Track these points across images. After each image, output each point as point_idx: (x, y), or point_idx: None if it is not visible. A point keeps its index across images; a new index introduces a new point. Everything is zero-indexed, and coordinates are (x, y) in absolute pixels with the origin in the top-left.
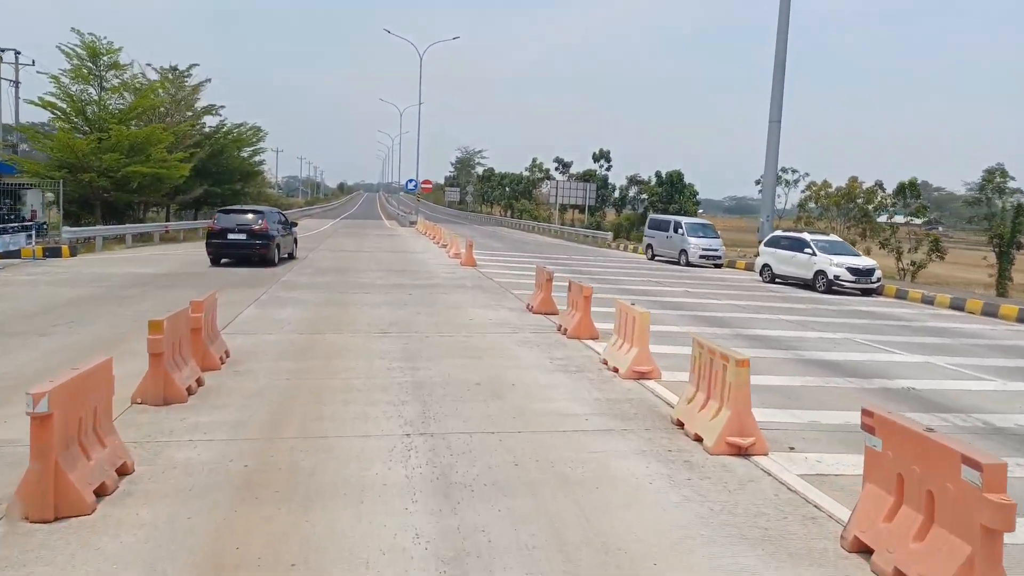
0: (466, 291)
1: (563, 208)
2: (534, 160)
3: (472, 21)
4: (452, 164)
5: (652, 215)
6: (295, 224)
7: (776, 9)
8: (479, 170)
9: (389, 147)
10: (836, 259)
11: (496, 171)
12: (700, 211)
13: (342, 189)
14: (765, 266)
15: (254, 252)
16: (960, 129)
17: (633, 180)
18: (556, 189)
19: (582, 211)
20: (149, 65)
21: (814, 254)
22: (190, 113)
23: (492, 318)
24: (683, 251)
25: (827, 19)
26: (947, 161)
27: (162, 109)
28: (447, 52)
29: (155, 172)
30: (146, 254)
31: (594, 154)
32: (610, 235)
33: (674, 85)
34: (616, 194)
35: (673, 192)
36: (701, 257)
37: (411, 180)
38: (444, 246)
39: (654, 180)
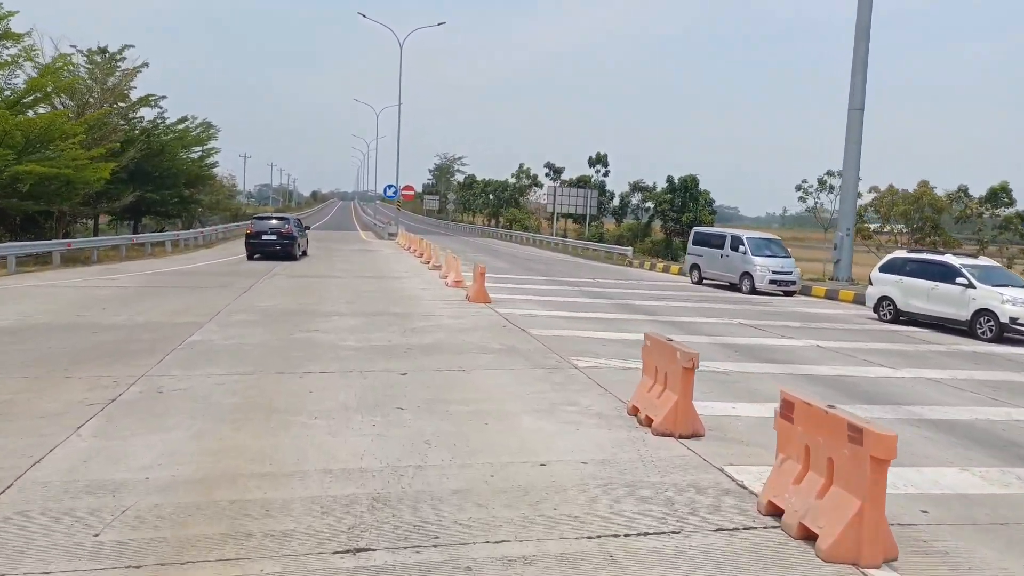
0: (498, 363)
1: (554, 216)
2: (521, 166)
3: (449, 24)
4: (430, 171)
5: (698, 228)
6: (308, 228)
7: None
8: (459, 177)
9: (365, 152)
10: (1007, 292)
11: (478, 178)
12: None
13: (315, 197)
14: (885, 300)
15: (281, 249)
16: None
17: (636, 186)
18: (554, 196)
19: (577, 220)
20: (75, 48)
21: (970, 285)
22: (123, 104)
23: (582, 454)
24: (746, 274)
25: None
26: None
27: (89, 99)
28: (425, 55)
29: (58, 173)
30: (44, 285)
31: (590, 158)
32: (630, 250)
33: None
34: (615, 202)
35: (687, 199)
36: (772, 283)
37: (390, 186)
38: (435, 268)
39: (662, 186)
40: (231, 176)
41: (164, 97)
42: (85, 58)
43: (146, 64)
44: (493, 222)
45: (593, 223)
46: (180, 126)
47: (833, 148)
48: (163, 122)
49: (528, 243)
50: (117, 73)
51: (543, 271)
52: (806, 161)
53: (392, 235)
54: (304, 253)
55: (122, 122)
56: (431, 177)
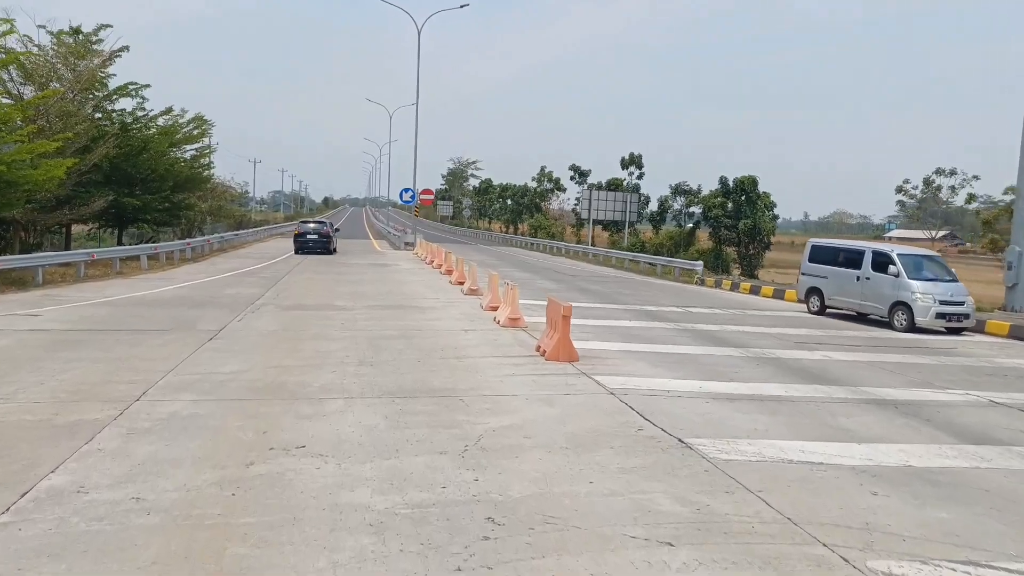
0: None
1: (581, 223)
2: (542, 169)
3: (467, 20)
4: (443, 176)
5: (816, 242)
6: (338, 229)
7: None
8: (473, 182)
9: (377, 157)
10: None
11: (494, 183)
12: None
13: (327, 203)
14: None
15: (321, 246)
16: None
17: (679, 189)
18: (588, 201)
19: (607, 227)
20: (43, 28)
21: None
22: (98, 94)
23: None
24: (900, 305)
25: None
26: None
27: (55, 85)
28: (439, 58)
29: None
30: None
31: (623, 159)
32: (700, 265)
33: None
34: (653, 206)
35: (742, 204)
36: (940, 316)
37: (407, 190)
38: (471, 292)
39: (709, 188)
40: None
41: (147, 86)
42: (52, 38)
43: (126, 48)
44: (511, 229)
45: (620, 231)
46: (163, 118)
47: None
48: (145, 114)
49: (558, 253)
50: (94, 61)
51: (605, 294)
52: (830, 162)
53: (409, 245)
54: (334, 250)
55: (97, 115)
56: (444, 182)
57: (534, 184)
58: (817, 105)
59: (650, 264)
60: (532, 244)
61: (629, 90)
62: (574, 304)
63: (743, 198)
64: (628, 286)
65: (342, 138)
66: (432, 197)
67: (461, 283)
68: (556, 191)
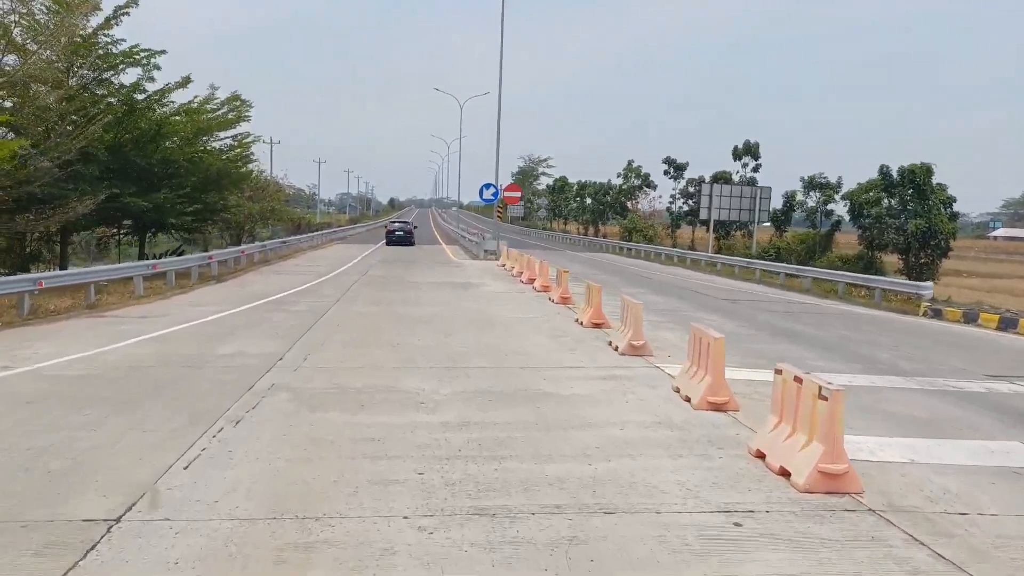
0: None
1: (678, 224)
2: (629, 163)
3: (535, 16)
4: (512, 175)
5: None
6: (416, 227)
7: None
8: (546, 181)
9: (444, 156)
10: None
11: (569, 180)
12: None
13: (393, 205)
14: None
15: (407, 240)
16: None
17: (813, 183)
18: (709, 198)
19: (714, 229)
20: None
21: None
22: (100, 63)
23: None
24: None
25: None
26: None
27: (35, 48)
28: (506, 53)
29: None
30: None
31: (735, 149)
32: (928, 288)
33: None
34: (776, 204)
35: (913, 199)
36: None
37: (488, 186)
38: (636, 347)
39: (855, 181)
40: (312, 187)
41: (161, 52)
42: None
43: (134, 3)
44: (590, 230)
45: (741, 231)
46: (177, 93)
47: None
48: (157, 91)
49: (671, 261)
50: (88, 19)
51: (832, 344)
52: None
53: (491, 253)
54: (414, 242)
55: (99, 90)
56: (513, 181)
57: (619, 180)
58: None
59: (851, 284)
60: (626, 249)
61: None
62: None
63: (911, 192)
64: (829, 322)
65: (409, 139)
66: (518, 195)
67: (598, 324)
68: (645, 188)
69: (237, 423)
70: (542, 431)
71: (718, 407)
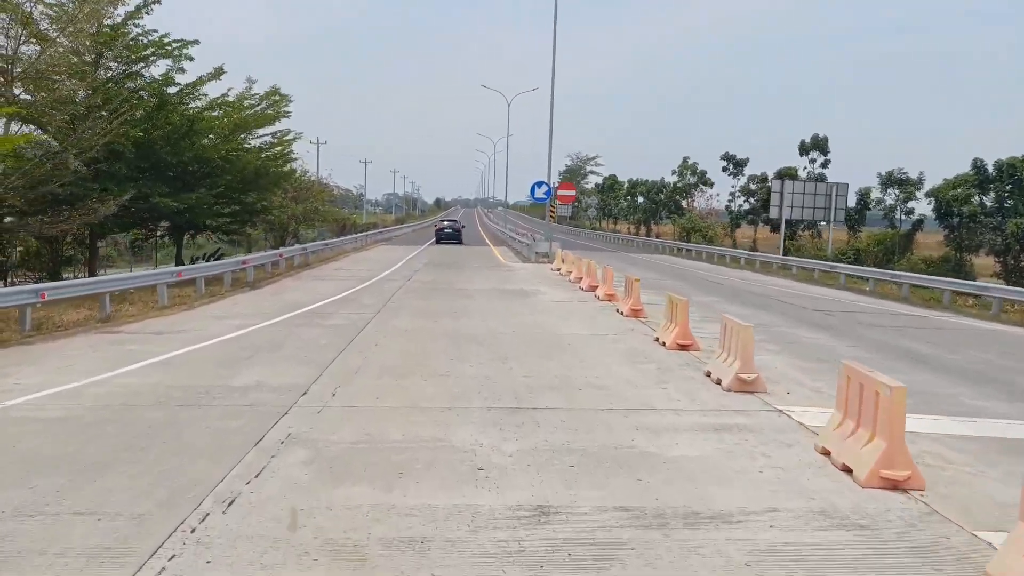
0: None
1: (737, 223)
2: (685, 160)
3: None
4: (560, 174)
5: None
6: (463, 226)
7: None
8: (594, 179)
9: (491, 155)
10: None
11: (619, 179)
12: None
13: (439, 205)
14: None
15: (455, 237)
16: None
17: (892, 179)
18: (780, 196)
19: (777, 229)
20: None
21: None
22: (129, 54)
23: None
24: None
25: None
26: None
27: (56, 37)
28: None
29: None
30: None
31: (802, 144)
32: None
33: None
34: (851, 203)
35: (1013, 195)
36: None
37: (541, 184)
38: (745, 382)
39: (938, 178)
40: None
41: (194, 42)
42: None
43: None
44: (642, 230)
45: (808, 230)
46: (209, 86)
47: None
48: (191, 85)
49: (735, 263)
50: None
51: (966, 370)
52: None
53: (543, 256)
54: (461, 240)
55: (128, 82)
56: (560, 180)
57: (674, 178)
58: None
59: (926, 288)
60: (684, 250)
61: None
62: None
63: (1009, 188)
64: (954, 340)
65: (455, 139)
66: (573, 193)
67: (685, 346)
68: (701, 185)
69: (228, 505)
70: (659, 529)
71: (897, 484)
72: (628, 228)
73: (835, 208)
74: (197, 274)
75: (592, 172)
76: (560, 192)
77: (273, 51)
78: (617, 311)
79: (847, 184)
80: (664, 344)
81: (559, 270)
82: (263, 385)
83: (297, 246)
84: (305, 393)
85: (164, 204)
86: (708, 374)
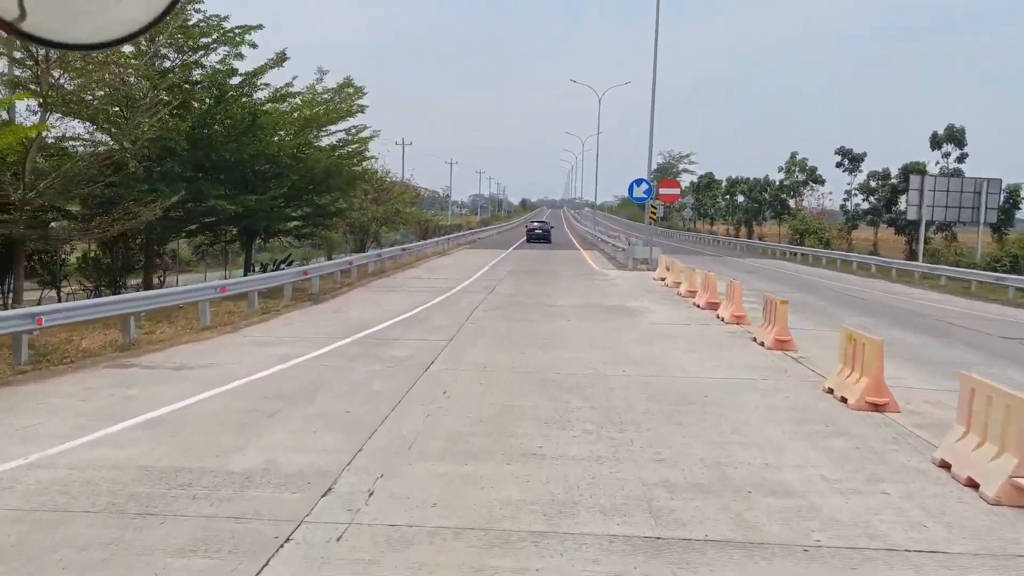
0: None
1: (855, 224)
2: (793, 156)
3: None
4: (651, 172)
5: None
6: (552, 227)
7: None
8: (688, 178)
9: (579, 154)
10: None
11: (716, 177)
12: None
13: (524, 205)
14: None
15: (545, 237)
16: None
17: None
18: (920, 193)
19: (902, 230)
20: None
21: None
22: (186, 42)
23: None
24: None
25: None
26: None
27: None
28: (645, 48)
29: None
30: None
31: (934, 136)
32: None
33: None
34: (1000, 199)
35: None
36: None
37: (640, 181)
38: None
39: None
40: (446, 188)
41: (258, 27)
42: None
43: None
44: (742, 231)
45: (941, 233)
46: (266, 76)
47: None
48: (251, 74)
49: (863, 271)
50: None
51: None
52: None
53: (642, 262)
54: (550, 240)
55: (185, 73)
56: (651, 178)
57: (780, 175)
58: None
59: None
60: (797, 254)
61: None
62: None
63: None
64: None
65: (541, 138)
66: (677, 191)
67: (879, 405)
68: (811, 183)
69: None
70: None
71: None
72: (727, 229)
73: (986, 208)
74: (248, 288)
75: (685, 170)
76: (662, 190)
77: (358, 54)
78: (753, 340)
79: (1000, 180)
80: (844, 400)
81: (664, 280)
82: (272, 471)
83: (371, 252)
84: (328, 492)
85: (221, 207)
86: (945, 465)
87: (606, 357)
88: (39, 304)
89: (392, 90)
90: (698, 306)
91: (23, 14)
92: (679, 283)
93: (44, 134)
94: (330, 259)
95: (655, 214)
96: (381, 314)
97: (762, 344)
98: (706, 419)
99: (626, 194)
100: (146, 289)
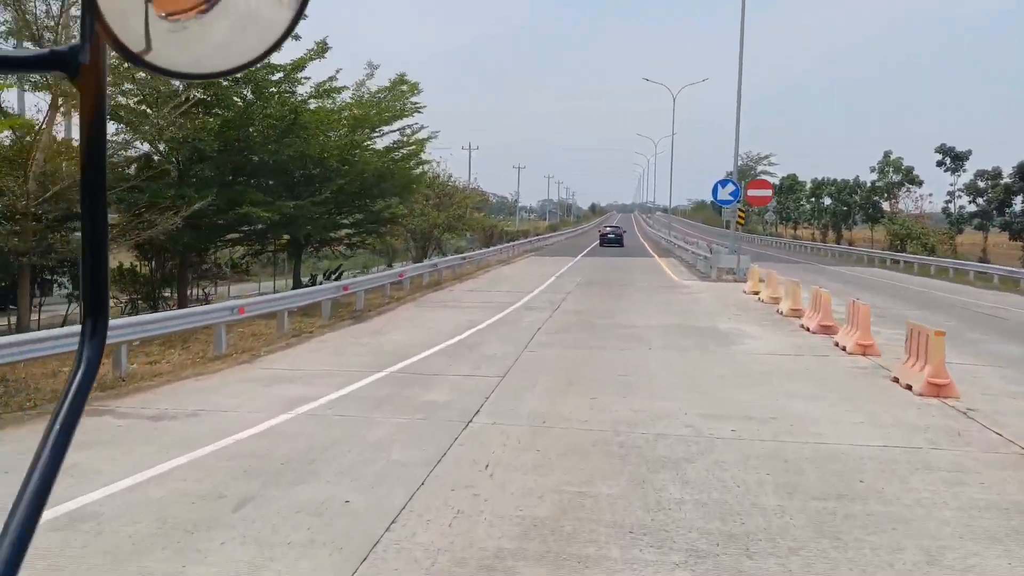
0: None
1: (960, 228)
2: (886, 156)
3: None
4: (727, 174)
5: None
6: (624, 231)
7: None
8: (768, 180)
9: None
10: None
11: (799, 178)
12: None
13: (594, 210)
14: None
15: (618, 242)
16: None
17: None
18: None
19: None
20: None
21: None
22: None
23: None
24: None
25: None
26: None
27: None
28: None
29: None
30: None
31: None
32: None
33: None
34: None
35: None
36: None
37: (726, 182)
38: None
39: None
40: (514, 194)
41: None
42: None
43: None
44: (827, 236)
45: None
46: (318, 64)
47: None
48: (291, 67)
49: (983, 281)
50: None
51: None
52: None
53: (728, 271)
54: (623, 244)
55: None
56: (728, 180)
57: (872, 176)
58: None
59: None
60: (897, 262)
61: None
62: None
63: None
64: None
65: (611, 144)
66: (769, 193)
67: None
68: (908, 184)
69: None
70: None
71: None
72: (812, 234)
73: None
74: (276, 307)
75: (765, 172)
76: (751, 192)
77: (428, 63)
78: (894, 380)
79: None
80: None
81: (757, 294)
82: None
83: (426, 263)
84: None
85: (255, 214)
86: None
87: (705, 406)
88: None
89: (459, 96)
90: (807, 329)
91: (148, 46)
92: (777, 298)
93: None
94: (390, 267)
95: (743, 218)
96: (426, 337)
97: (908, 387)
98: (878, 533)
99: (700, 197)
100: (180, 306)
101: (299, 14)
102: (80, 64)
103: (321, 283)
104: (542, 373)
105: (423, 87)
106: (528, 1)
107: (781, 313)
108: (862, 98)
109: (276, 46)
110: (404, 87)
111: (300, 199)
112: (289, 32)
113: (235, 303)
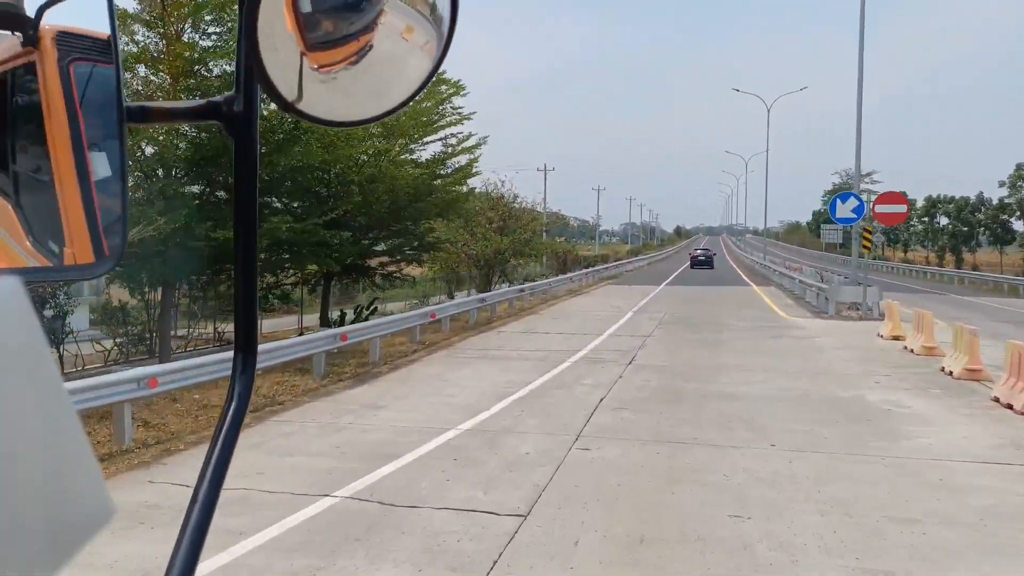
0: None
1: None
2: (1018, 169)
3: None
4: (825, 193)
5: None
6: (715, 254)
7: None
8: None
9: (741, 175)
10: None
11: (909, 196)
12: None
13: (679, 233)
14: None
15: (708, 263)
16: None
17: None
18: None
19: None
20: None
21: None
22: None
23: None
24: None
25: None
26: None
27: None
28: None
29: None
30: None
31: None
32: None
33: None
34: None
35: None
36: None
37: (846, 196)
38: None
39: None
40: (596, 218)
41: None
42: None
43: None
44: (944, 259)
45: None
46: None
47: None
48: None
49: None
50: None
51: None
52: None
53: (851, 306)
54: (713, 266)
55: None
56: (822, 203)
57: (1002, 192)
58: None
59: None
60: None
61: None
62: None
63: None
64: None
65: (697, 166)
66: (904, 209)
67: None
68: None
69: None
70: None
71: None
72: (927, 257)
73: None
74: (273, 358)
75: (867, 190)
76: (880, 208)
77: (508, 91)
78: None
79: None
80: None
81: (899, 339)
82: None
83: (472, 297)
84: None
85: (278, 228)
86: None
87: None
88: None
89: (538, 121)
90: (1005, 404)
91: (300, 96)
92: (933, 348)
93: None
94: (451, 298)
95: (869, 240)
96: (431, 417)
97: None
98: None
99: (792, 218)
100: (160, 347)
101: (439, 62)
102: (235, 113)
103: (331, 324)
104: (593, 507)
105: (499, 112)
106: (597, 31)
107: (950, 374)
108: (977, 110)
109: (416, 93)
110: (443, 87)
111: (304, 220)
112: (430, 79)
113: (221, 358)
